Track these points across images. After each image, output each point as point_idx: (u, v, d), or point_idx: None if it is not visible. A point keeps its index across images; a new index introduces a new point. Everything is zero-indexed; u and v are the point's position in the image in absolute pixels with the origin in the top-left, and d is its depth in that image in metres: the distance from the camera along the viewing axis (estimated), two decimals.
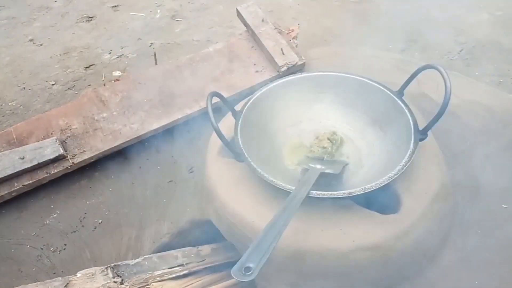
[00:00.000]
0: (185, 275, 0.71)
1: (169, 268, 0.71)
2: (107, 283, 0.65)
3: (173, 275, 0.70)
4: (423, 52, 1.36)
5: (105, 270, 0.67)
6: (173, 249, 0.77)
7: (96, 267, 0.68)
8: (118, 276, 0.67)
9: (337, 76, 0.86)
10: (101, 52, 1.52)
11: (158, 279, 0.69)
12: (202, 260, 0.74)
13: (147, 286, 0.68)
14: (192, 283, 0.71)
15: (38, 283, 0.64)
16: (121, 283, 0.66)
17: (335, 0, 1.70)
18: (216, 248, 0.79)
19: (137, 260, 0.71)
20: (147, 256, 0.73)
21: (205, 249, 0.78)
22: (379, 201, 0.73)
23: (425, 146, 0.76)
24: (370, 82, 0.83)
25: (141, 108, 1.03)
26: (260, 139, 0.81)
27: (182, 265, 0.72)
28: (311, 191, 0.65)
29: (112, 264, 0.69)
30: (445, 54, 1.34)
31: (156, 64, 1.21)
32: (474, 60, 1.29)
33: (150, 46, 1.54)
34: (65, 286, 0.62)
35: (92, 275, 0.66)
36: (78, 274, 0.65)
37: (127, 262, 0.70)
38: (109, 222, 0.92)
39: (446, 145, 0.90)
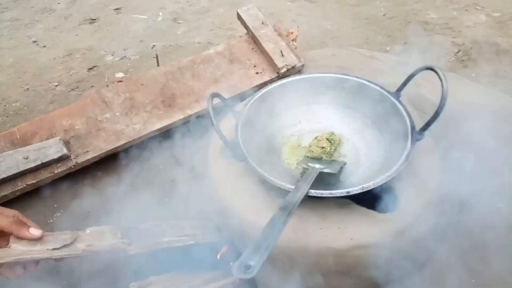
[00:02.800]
0: (191, 245, 0.71)
1: (177, 237, 0.71)
2: (116, 242, 0.65)
3: (180, 244, 0.71)
4: (420, 54, 1.38)
5: (115, 230, 0.66)
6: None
7: (105, 226, 0.67)
8: (127, 238, 0.67)
9: (335, 78, 0.87)
10: (104, 54, 1.54)
11: (165, 245, 0.69)
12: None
13: None
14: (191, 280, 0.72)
15: (48, 233, 0.63)
16: (129, 245, 0.66)
17: (334, 3, 1.71)
18: None
19: (146, 225, 0.71)
20: (156, 222, 0.73)
21: (212, 224, 0.79)
22: (377, 200, 0.74)
23: (422, 147, 0.77)
24: (368, 83, 0.84)
25: (143, 109, 1.05)
26: (260, 139, 0.83)
27: (189, 235, 0.72)
28: (310, 190, 0.66)
29: (122, 227, 0.69)
30: (442, 56, 1.35)
31: (158, 65, 1.22)
32: (471, 61, 1.30)
33: (152, 48, 1.56)
34: (74, 239, 0.62)
35: (101, 233, 0.65)
36: (87, 231, 0.65)
37: (136, 226, 0.71)
38: (111, 221, 0.93)
39: (442, 145, 0.91)
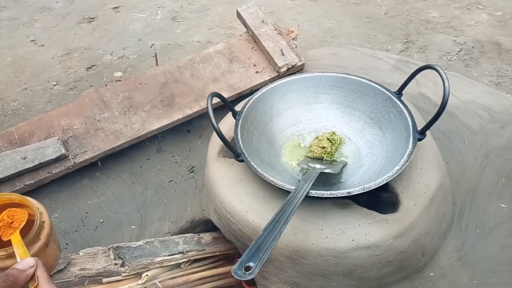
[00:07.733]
0: (184, 263, 0.71)
1: (169, 255, 0.71)
2: (108, 265, 0.65)
3: (173, 263, 0.70)
4: (422, 53, 1.37)
5: (107, 251, 0.67)
6: None
7: (98, 247, 0.68)
8: (120, 258, 0.67)
9: (336, 77, 0.86)
10: (103, 53, 1.53)
11: (157, 265, 0.69)
12: (203, 250, 0.75)
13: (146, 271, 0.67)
14: (192, 281, 0.72)
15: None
16: (122, 266, 0.66)
17: (335, 1, 1.71)
18: (217, 237, 0.79)
19: (138, 243, 0.71)
20: (148, 240, 0.73)
21: (206, 236, 0.78)
22: (378, 200, 0.73)
23: (423, 146, 0.77)
24: (369, 82, 0.83)
25: (142, 108, 1.04)
26: (260, 139, 0.82)
27: (182, 252, 0.72)
28: (311, 191, 0.65)
29: (115, 245, 0.69)
30: (444, 55, 1.34)
31: (157, 65, 1.22)
32: (473, 60, 1.30)
33: (151, 47, 1.55)
34: (67, 264, 0.62)
35: (94, 254, 0.66)
36: (81, 253, 0.65)
37: (129, 244, 0.71)
38: (110, 222, 0.92)
39: (444, 145, 0.90)
